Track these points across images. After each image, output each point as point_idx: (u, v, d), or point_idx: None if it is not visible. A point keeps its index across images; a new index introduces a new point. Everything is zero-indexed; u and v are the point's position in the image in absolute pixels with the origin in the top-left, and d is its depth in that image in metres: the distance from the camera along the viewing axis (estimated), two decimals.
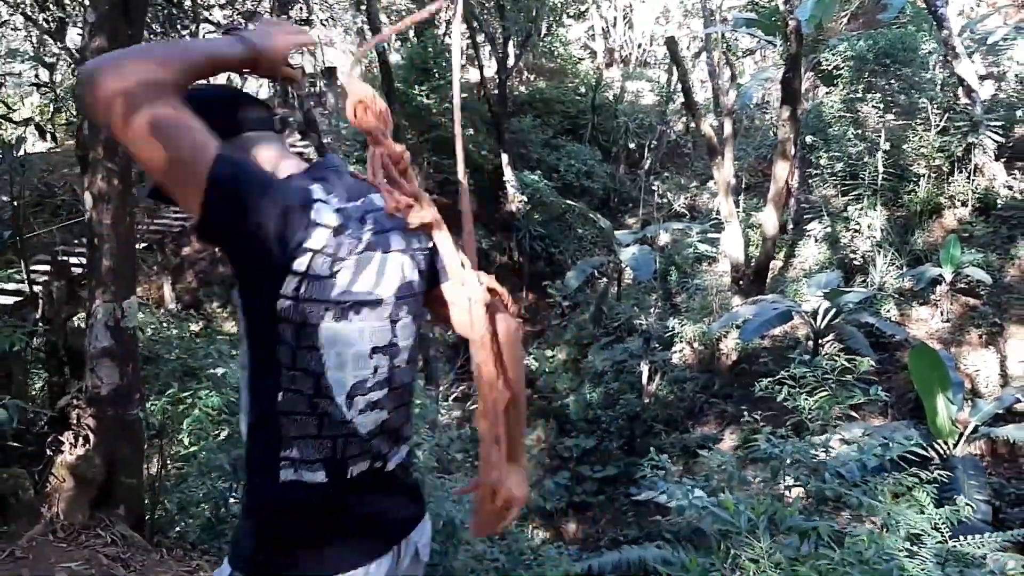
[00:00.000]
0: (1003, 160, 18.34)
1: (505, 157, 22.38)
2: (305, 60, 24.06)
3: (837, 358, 5.94)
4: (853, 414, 6.64)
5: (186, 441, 5.48)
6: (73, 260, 9.19)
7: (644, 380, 16.36)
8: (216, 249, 18.11)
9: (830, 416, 5.40)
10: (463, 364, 18.71)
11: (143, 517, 5.39)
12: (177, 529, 5.57)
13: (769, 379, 6.17)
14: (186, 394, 5.50)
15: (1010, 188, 17.79)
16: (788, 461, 4.79)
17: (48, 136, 12.90)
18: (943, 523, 4.06)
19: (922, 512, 4.10)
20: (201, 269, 20.55)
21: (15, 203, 7.07)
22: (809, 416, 5.75)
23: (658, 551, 9.68)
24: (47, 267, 8.90)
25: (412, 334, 1.84)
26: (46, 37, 18.45)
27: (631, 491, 14.89)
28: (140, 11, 5.67)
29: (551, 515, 14.91)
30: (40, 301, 5.86)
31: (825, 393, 5.54)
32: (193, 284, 20.18)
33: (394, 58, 22.42)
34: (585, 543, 14.35)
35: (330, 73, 24.75)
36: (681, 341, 17.19)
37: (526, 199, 22.16)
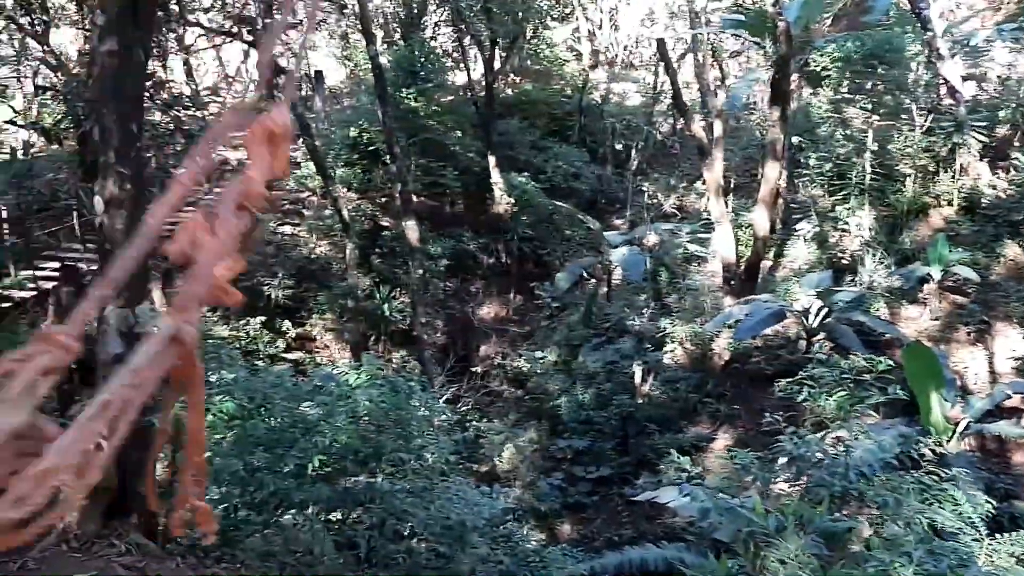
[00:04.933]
0: (987, 160, 18.55)
1: (492, 159, 22.37)
2: (291, 63, 23.98)
3: (856, 357, 5.96)
4: (873, 413, 6.68)
5: None
6: (80, 264, 9.10)
7: (637, 381, 16.39)
8: None
9: (849, 414, 5.41)
10: (452, 367, 18.70)
11: (156, 525, 5.35)
12: (190, 536, 5.53)
13: (788, 379, 6.14)
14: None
15: (994, 187, 18.00)
16: (812, 460, 4.79)
17: (52, 139, 12.78)
18: (979, 519, 4.09)
19: (957, 510, 4.12)
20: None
21: (20, 207, 7.00)
22: (818, 416, 5.78)
23: (659, 551, 9.75)
24: (54, 272, 8.81)
25: None
26: (29, 40, 18.28)
27: (626, 491, 14.94)
28: (149, 14, 5.64)
29: (545, 516, 14.88)
30: (49, 306, 5.79)
31: (843, 393, 5.56)
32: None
33: (381, 61, 22.38)
34: (580, 543, 14.34)
35: (318, 77, 24.66)
36: (673, 341, 17.25)
37: (514, 201, 22.15)
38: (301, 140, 20.87)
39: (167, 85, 15.22)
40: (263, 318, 19.06)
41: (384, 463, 5.94)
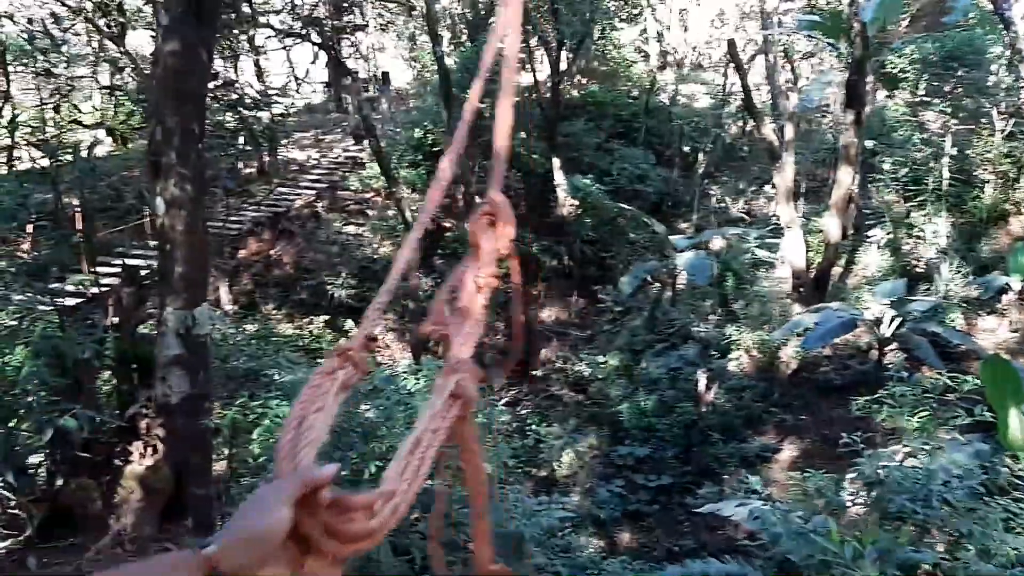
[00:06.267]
0: None
1: (556, 161, 22.21)
2: (359, 65, 24.19)
3: (940, 376, 5.66)
4: (959, 437, 6.36)
5: (256, 450, 5.38)
6: (141, 264, 9.19)
7: (701, 388, 16.07)
8: (271, 252, 18.05)
9: (932, 435, 5.13)
10: (512, 370, 18.61)
11: (212, 528, 5.31)
12: None
13: (866, 398, 5.86)
14: (256, 403, 5.40)
15: None
16: (890, 485, 4.53)
17: (118, 139, 13.03)
18: None
19: None
20: (257, 271, 20.71)
21: (82, 206, 7.07)
22: (894, 436, 5.50)
23: (722, 566, 9.47)
24: (115, 270, 8.91)
25: None
26: (107, 41, 18.73)
27: (688, 501, 14.64)
28: (212, 14, 5.62)
29: (604, 524, 14.67)
30: (109, 307, 5.82)
31: (926, 412, 5.27)
32: (249, 286, 20.33)
33: (448, 63, 22.42)
34: (639, 553, 14.11)
35: (384, 79, 24.79)
36: (739, 349, 16.88)
37: (577, 203, 21.96)
38: (366, 141, 21.04)
39: (235, 85, 15.40)
40: (326, 317, 19.24)
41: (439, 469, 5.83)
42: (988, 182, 17.88)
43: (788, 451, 15.18)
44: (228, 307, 18.65)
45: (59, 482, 5.33)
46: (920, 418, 5.53)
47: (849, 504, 5.65)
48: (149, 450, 5.14)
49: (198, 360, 5.21)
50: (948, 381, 5.89)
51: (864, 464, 5.16)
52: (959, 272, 16.76)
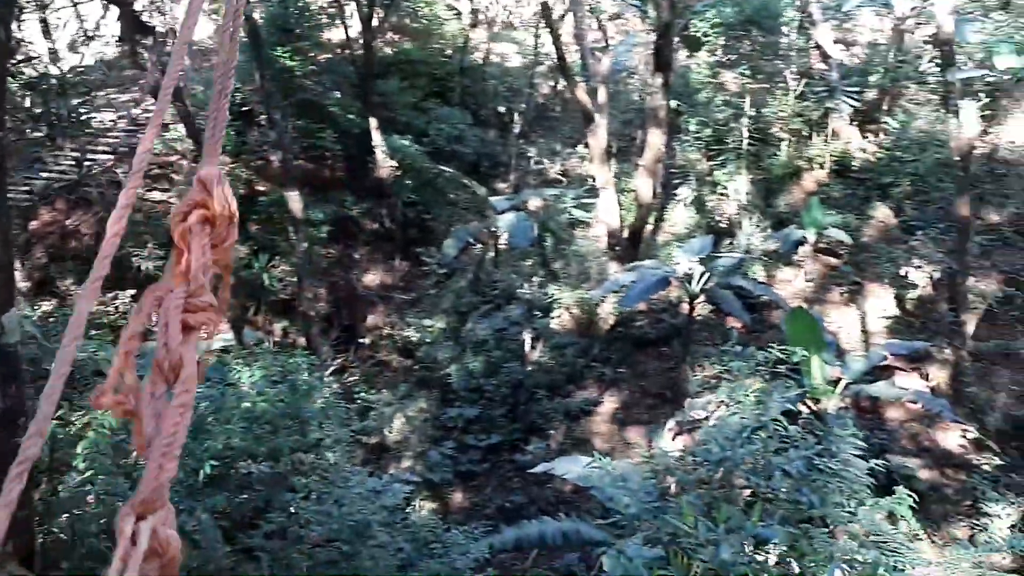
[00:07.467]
0: (857, 123, 19.26)
1: (373, 121, 21.78)
2: (155, 19, 22.67)
3: (772, 348, 6.05)
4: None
5: (80, 466, 5.00)
6: None
7: (526, 348, 16.45)
8: (67, 222, 16.69)
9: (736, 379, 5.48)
10: (337, 337, 18.35)
11: (34, 551, 4.94)
12: (65, 565, 5.10)
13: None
14: (78, 412, 5.02)
15: (864, 151, 18.73)
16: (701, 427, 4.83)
17: None
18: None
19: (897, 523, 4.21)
20: (52, 244, 19.20)
21: None
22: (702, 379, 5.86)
23: (557, 524, 9.84)
24: None
25: None
26: None
27: (517, 458, 15.06)
28: None
29: (437, 486, 14.85)
30: None
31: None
32: (44, 260, 18.84)
33: (255, 17, 21.35)
34: (472, 512, 14.40)
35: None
36: (560, 307, 17.36)
37: (397, 164, 21.67)
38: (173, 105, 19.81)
39: (21, 46, 14.05)
40: (133, 291, 18.12)
41: (282, 464, 5.68)
42: (783, 141, 19.07)
43: (609, 403, 15.85)
44: (21, 284, 17.19)
45: None
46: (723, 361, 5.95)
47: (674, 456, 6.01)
48: None
49: (8, 372, 4.77)
50: (779, 354, 6.30)
51: (680, 414, 5.51)
52: (759, 227, 17.88)
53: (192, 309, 0.90)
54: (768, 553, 3.80)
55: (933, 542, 10.55)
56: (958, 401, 12.66)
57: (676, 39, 20.26)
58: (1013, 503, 10.92)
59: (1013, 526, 10.67)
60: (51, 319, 15.73)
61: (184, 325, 0.89)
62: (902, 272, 15.34)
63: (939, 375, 13.74)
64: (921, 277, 15.06)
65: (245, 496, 5.49)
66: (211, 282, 0.93)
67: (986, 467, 12.04)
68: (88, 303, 0.92)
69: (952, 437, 12.78)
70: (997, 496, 11.05)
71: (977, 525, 10.96)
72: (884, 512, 4.73)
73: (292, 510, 5.50)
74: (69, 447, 5.02)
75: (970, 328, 13.81)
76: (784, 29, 19.92)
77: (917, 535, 7.39)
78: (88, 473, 4.93)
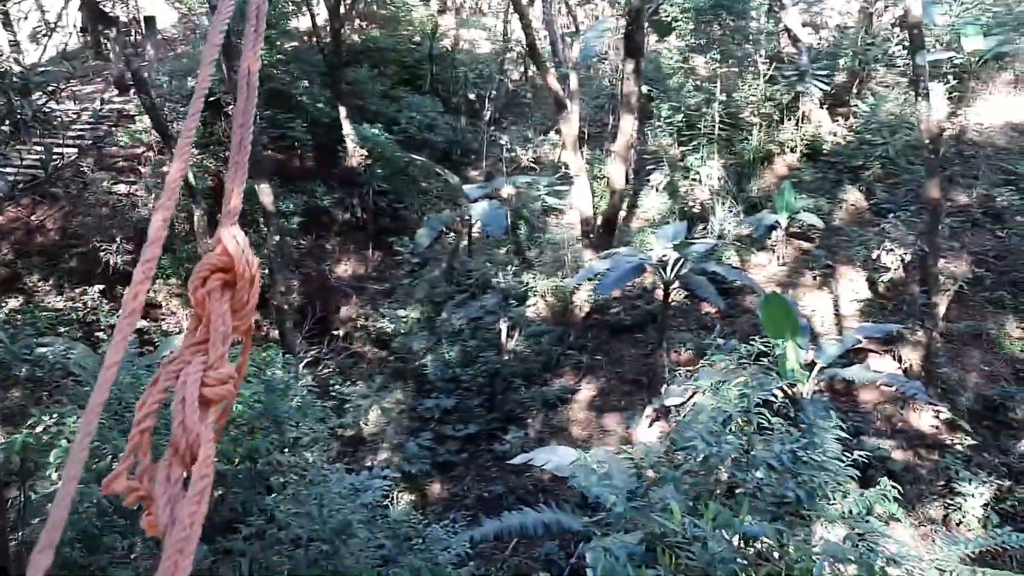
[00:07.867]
0: (827, 107, 19.34)
1: (343, 110, 21.58)
2: (118, 9, 22.27)
3: (754, 342, 6.04)
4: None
5: (54, 476, 4.87)
6: None
7: (502, 337, 16.39)
8: (32, 217, 16.36)
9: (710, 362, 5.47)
10: (310, 328, 18.18)
11: (6, 567, 4.83)
12: None
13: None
14: (51, 420, 4.89)
15: (834, 134, 18.81)
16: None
17: None
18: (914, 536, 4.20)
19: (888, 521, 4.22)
20: (17, 240, 18.86)
21: None
22: (676, 364, 5.84)
23: (538, 515, 9.82)
24: None
25: None
26: None
27: (495, 447, 15.02)
28: None
29: (415, 477, 14.79)
30: None
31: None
32: (9, 256, 18.51)
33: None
34: (451, 502, 14.36)
35: (148, 23, 22.93)
36: (535, 295, 17.32)
37: (367, 153, 21.49)
38: (134, 92, 19.53)
39: None
40: (101, 286, 17.86)
41: (260, 465, 5.60)
42: (755, 125, 19.10)
43: (586, 391, 15.84)
44: None
45: None
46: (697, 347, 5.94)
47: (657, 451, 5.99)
48: None
49: None
50: (761, 347, 6.30)
51: (657, 400, 5.51)
52: (732, 212, 17.92)
53: (211, 383, 0.84)
54: (754, 548, 3.79)
55: (911, 524, 10.66)
56: (930, 382, 12.77)
57: (646, 24, 20.27)
58: (986, 482, 11.05)
59: (986, 505, 10.82)
60: (18, 317, 15.50)
61: (202, 399, 0.84)
62: (874, 255, 15.43)
63: (911, 357, 13.85)
64: (893, 260, 15.15)
65: (222, 497, 5.41)
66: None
67: (959, 447, 12.16)
68: (133, 319, 0.84)
69: (925, 418, 12.90)
70: (970, 475, 11.18)
71: (951, 504, 11.10)
72: (868, 504, 4.78)
73: (271, 512, 5.42)
74: (41, 455, 4.90)
75: (941, 310, 13.92)
76: (753, 13, 19.92)
77: (895, 516, 7.43)
78: (60, 481, 4.80)
